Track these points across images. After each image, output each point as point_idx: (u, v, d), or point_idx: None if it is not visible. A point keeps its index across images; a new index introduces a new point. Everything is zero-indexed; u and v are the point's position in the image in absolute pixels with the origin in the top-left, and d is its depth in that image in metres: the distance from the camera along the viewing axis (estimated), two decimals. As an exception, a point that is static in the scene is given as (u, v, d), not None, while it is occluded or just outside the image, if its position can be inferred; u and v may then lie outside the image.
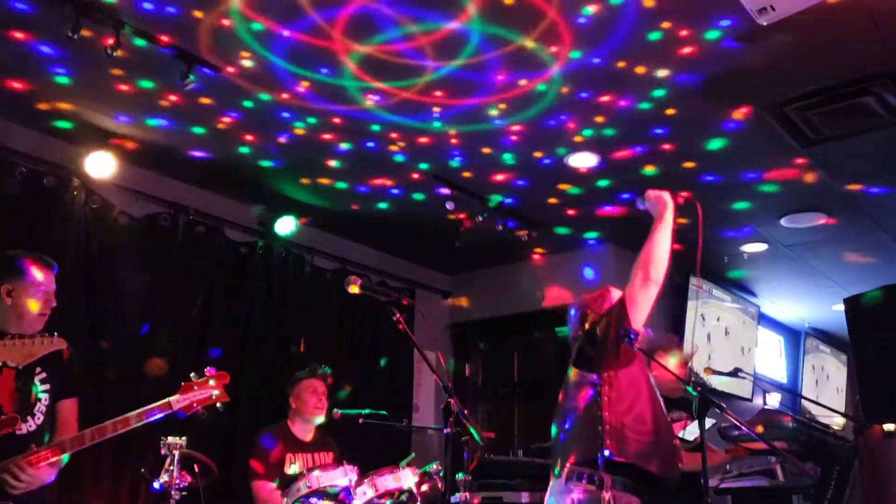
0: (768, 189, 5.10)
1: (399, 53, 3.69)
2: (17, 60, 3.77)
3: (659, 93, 4.00)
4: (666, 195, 2.96)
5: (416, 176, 5.03)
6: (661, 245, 2.90)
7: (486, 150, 4.68)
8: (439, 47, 3.63)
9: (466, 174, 4.99)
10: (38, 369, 3.01)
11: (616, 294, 3.06)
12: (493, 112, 4.21)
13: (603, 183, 5.06)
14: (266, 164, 4.90)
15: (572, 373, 3.08)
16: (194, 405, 3.09)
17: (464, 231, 5.75)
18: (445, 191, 5.10)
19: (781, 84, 3.88)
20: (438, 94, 4.04)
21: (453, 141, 4.56)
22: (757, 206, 5.39)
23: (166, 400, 3.05)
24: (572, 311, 3.22)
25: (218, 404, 3.16)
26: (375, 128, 4.42)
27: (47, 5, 3.29)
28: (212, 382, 3.14)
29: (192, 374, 3.15)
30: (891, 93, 3.87)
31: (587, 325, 3.04)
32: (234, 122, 4.39)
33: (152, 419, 3.00)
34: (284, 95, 4.13)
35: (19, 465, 2.76)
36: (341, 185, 5.17)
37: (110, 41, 3.41)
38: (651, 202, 3.00)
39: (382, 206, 5.49)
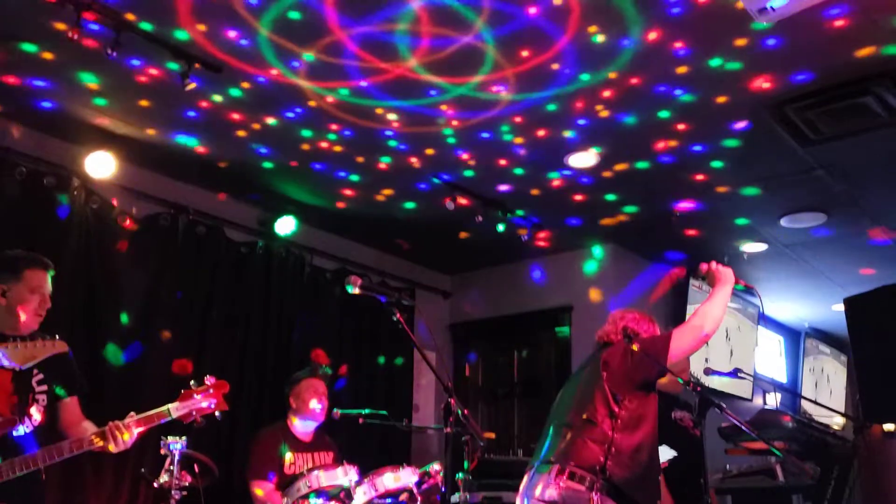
0: (768, 189, 5.10)
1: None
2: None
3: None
4: (730, 272, 3.28)
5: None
6: (719, 308, 3.18)
7: (682, 70, 3.78)
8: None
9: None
10: (36, 371, 3.01)
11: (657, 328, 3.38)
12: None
13: (603, 183, 5.07)
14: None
15: (593, 377, 3.14)
16: (193, 413, 3.11)
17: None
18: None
19: (781, 84, 3.88)
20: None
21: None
22: (757, 206, 5.40)
23: (165, 407, 3.07)
24: (614, 321, 3.41)
25: (216, 413, 3.18)
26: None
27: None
28: (211, 391, 3.16)
29: (191, 382, 3.17)
30: (891, 93, 3.87)
31: (627, 339, 3.22)
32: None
33: (150, 426, 3.04)
34: (455, 122, 4.29)
35: (123, 425, 2.93)
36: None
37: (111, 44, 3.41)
38: (713, 275, 3.28)
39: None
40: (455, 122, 4.32)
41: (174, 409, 3.07)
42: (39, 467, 2.84)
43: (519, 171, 4.92)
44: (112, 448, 2.93)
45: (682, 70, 3.78)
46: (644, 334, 3.29)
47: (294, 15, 3.39)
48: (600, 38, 3.61)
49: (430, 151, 4.68)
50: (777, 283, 7.15)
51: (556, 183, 5.07)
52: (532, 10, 3.41)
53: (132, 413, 3.02)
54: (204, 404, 3.13)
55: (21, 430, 2.93)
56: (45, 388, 3.04)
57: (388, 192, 5.25)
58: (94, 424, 3.08)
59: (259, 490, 4.14)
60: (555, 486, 2.91)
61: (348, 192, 5.25)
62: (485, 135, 4.48)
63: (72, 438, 2.94)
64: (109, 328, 4.52)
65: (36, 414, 3.00)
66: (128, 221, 4.76)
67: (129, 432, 2.95)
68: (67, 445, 2.89)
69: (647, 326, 3.33)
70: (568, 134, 4.47)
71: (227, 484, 4.46)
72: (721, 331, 7.01)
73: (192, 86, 3.67)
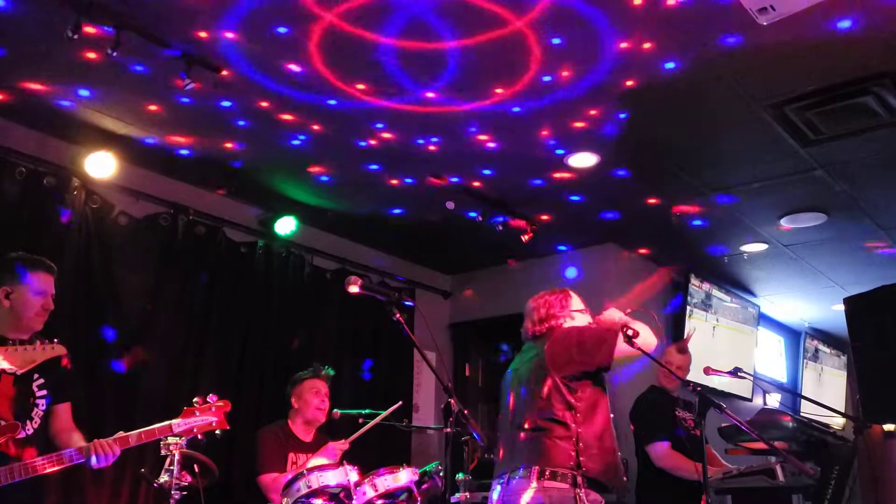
0: (768, 189, 5.10)
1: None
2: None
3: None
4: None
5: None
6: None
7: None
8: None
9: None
10: (36, 375, 3.03)
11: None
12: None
13: (603, 184, 5.06)
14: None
15: (540, 373, 3.14)
16: (194, 430, 3.17)
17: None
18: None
19: (781, 84, 3.88)
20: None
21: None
22: (757, 206, 5.40)
23: (167, 423, 3.13)
24: (536, 309, 3.56)
25: (217, 431, 3.24)
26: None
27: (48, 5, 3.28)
28: (213, 409, 3.23)
29: (195, 400, 3.24)
30: (891, 93, 3.87)
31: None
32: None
33: (151, 440, 3.10)
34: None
35: (112, 441, 2.97)
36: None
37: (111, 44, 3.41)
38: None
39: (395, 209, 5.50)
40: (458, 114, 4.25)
41: (176, 426, 3.13)
42: (38, 475, 2.84)
43: (517, 171, 4.92)
44: (93, 464, 2.95)
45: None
46: (564, 315, 3.36)
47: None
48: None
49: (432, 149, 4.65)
50: (777, 283, 7.15)
51: (555, 183, 5.07)
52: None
53: (120, 432, 3.04)
54: (205, 421, 3.20)
55: (23, 435, 2.93)
56: (44, 392, 3.05)
57: (388, 192, 5.25)
58: (84, 434, 3.12)
59: (269, 482, 4.12)
60: (540, 490, 2.90)
61: (351, 191, 5.25)
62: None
63: (72, 449, 2.94)
64: (109, 328, 4.51)
65: (36, 417, 3.01)
66: (128, 221, 4.76)
67: (111, 451, 2.97)
68: (67, 455, 2.91)
69: (567, 304, 3.39)
70: (565, 134, 4.45)
71: (227, 484, 4.45)
72: (721, 328, 7.01)
73: (192, 85, 3.67)
